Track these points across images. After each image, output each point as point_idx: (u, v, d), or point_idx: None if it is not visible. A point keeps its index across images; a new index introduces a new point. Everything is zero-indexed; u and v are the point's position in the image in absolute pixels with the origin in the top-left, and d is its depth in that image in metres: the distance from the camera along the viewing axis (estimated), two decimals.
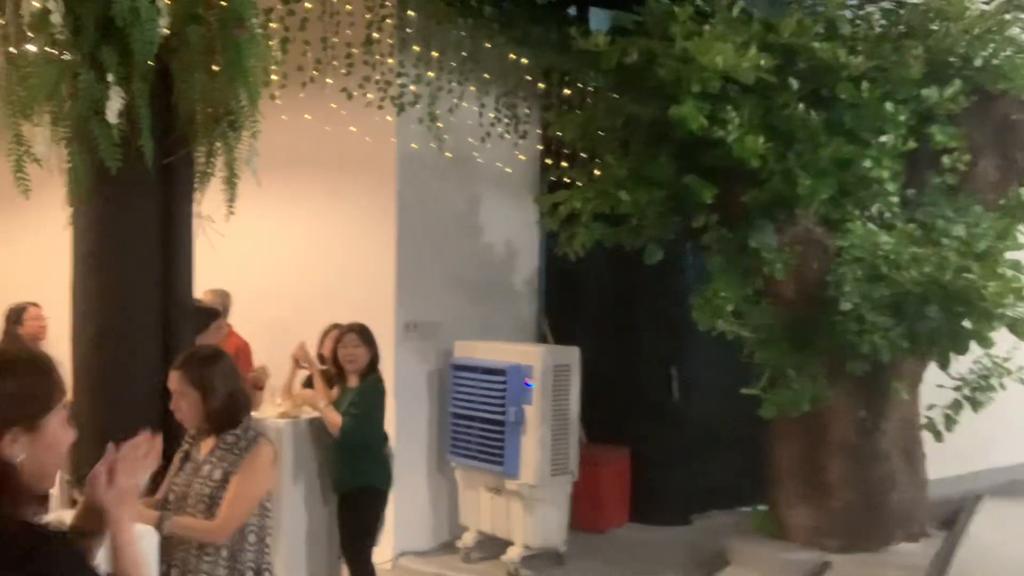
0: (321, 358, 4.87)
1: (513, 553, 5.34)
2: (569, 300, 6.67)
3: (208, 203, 3.30)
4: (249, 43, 3.03)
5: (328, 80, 5.02)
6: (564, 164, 5.98)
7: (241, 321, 5.26)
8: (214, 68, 3.05)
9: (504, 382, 5.40)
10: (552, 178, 5.97)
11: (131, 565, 1.69)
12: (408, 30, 5.44)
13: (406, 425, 5.52)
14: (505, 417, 5.37)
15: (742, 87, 4.58)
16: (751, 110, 4.64)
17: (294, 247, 5.93)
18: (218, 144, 3.19)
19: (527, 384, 5.38)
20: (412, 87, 5.43)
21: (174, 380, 2.83)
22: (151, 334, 3.18)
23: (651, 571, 5.50)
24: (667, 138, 4.92)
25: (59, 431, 1.59)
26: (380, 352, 4.56)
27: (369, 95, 5.12)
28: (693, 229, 5.10)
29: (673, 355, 6.44)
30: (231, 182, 3.23)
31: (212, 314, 4.47)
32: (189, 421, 2.86)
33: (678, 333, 6.19)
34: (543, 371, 5.35)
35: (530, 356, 5.45)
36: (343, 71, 5.02)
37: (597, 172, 5.34)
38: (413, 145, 5.70)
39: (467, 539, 5.62)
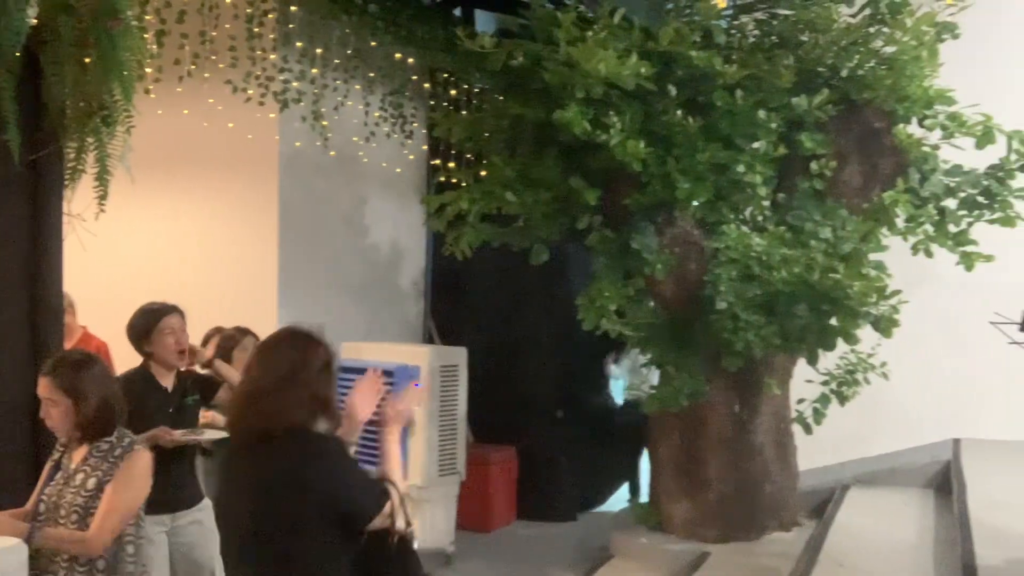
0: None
1: None
2: (456, 300, 6.70)
3: (79, 201, 3.17)
4: (123, 35, 2.93)
5: (206, 75, 4.88)
6: (451, 165, 6.00)
7: (114, 324, 5.05)
8: (86, 61, 2.93)
9: (391, 383, 5.36)
10: (440, 178, 5.97)
11: (393, 463, 2.53)
12: (291, 25, 5.34)
13: None
14: None
15: (624, 93, 4.69)
16: (632, 115, 4.75)
17: (171, 247, 5.74)
18: (90, 140, 3.07)
19: (415, 385, 5.36)
20: (295, 84, 5.34)
21: (43, 387, 2.69)
22: (19, 337, 3.03)
23: (537, 568, 5.58)
24: (553, 141, 5.00)
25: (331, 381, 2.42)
26: None
27: (250, 91, 5.01)
28: (578, 230, 5.19)
29: (559, 355, 6.55)
30: (103, 179, 3.11)
31: None
32: (60, 429, 2.73)
33: (565, 332, 6.29)
34: (430, 372, 5.35)
35: (417, 357, 5.44)
36: (222, 65, 4.89)
37: (484, 173, 5.37)
38: (296, 143, 5.61)
39: None
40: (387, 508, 2.33)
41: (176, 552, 3.61)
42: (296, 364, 2.32)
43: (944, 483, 5.96)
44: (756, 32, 5.23)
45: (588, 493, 6.60)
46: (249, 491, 2.29)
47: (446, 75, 6.08)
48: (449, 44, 5.33)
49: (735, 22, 5.27)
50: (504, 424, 6.41)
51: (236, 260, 5.64)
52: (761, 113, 4.79)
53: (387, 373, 5.34)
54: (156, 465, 2.85)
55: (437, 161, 6.18)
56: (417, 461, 5.33)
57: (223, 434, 3.57)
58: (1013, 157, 4.82)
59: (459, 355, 5.52)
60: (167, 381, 3.67)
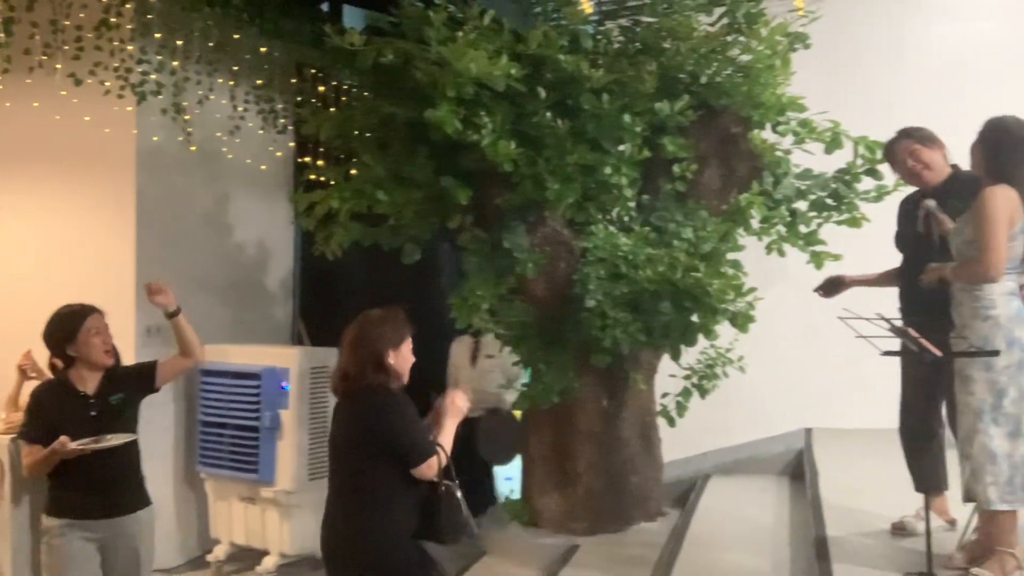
0: (53, 368, 4.49)
1: (269, 563, 5.21)
2: (326, 301, 6.59)
3: None
4: None
5: (58, 65, 4.65)
6: (320, 162, 5.91)
7: None
8: None
9: (258, 386, 5.26)
10: (308, 176, 5.86)
11: (447, 437, 3.19)
12: (149, 16, 5.14)
13: (149, 437, 5.20)
14: (259, 423, 5.23)
15: (495, 94, 4.73)
16: (503, 116, 4.80)
17: (21, 245, 5.43)
18: None
19: (283, 387, 5.26)
20: (154, 76, 5.15)
21: None
22: None
23: None
24: (425, 140, 4.99)
25: (406, 352, 3.24)
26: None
27: (106, 83, 4.79)
28: (450, 229, 5.20)
29: (432, 355, 6.54)
30: None
31: None
32: None
33: (437, 332, 6.29)
34: (300, 374, 5.26)
35: (286, 358, 5.34)
36: (74, 56, 4.66)
37: (354, 171, 5.32)
38: (155, 137, 5.40)
39: (219, 552, 5.42)
40: (435, 466, 3.08)
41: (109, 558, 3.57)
42: (372, 339, 3.19)
43: (798, 470, 6.29)
44: (621, 38, 5.37)
45: (466, 491, 6.61)
46: (341, 434, 3.18)
47: (314, 71, 5.98)
48: (317, 40, 5.24)
49: (601, 28, 5.39)
50: None
51: (91, 259, 5.39)
52: (626, 117, 4.92)
53: (253, 376, 5.26)
54: (75, 472, 3.17)
55: (306, 159, 6.07)
56: (287, 466, 5.23)
57: (128, 437, 3.53)
58: (859, 162, 5.12)
59: (330, 356, 5.44)
60: (90, 384, 3.57)
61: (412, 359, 3.26)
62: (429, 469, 3.08)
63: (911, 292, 4.00)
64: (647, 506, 5.58)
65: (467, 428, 3.43)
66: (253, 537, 5.33)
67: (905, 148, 4.14)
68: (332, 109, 5.87)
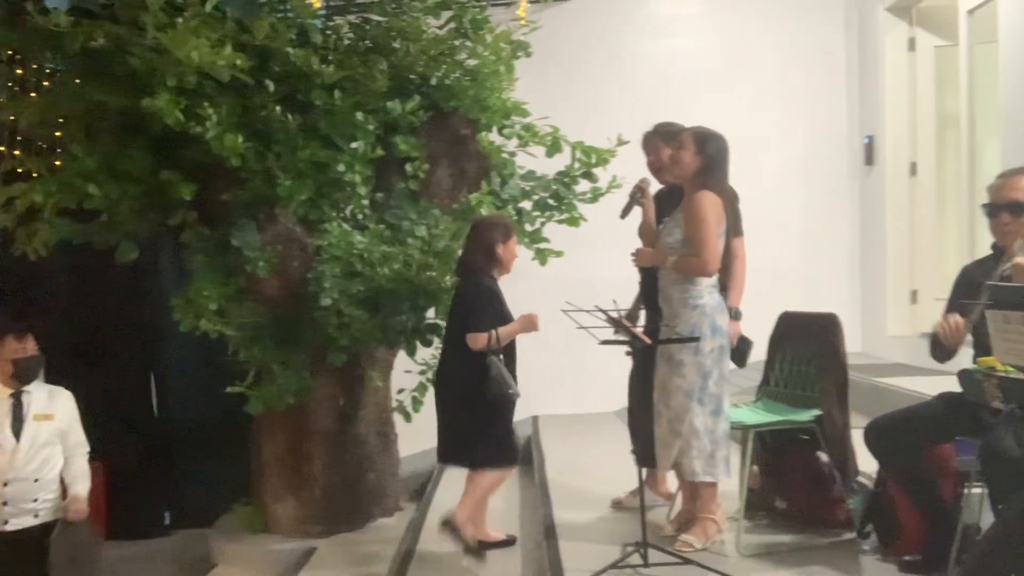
0: None
1: None
2: (29, 305, 6.00)
3: None
4: None
5: None
6: (17, 153, 5.37)
7: None
8: None
9: None
10: (6, 168, 5.30)
11: (507, 330, 4.22)
12: None
13: None
14: None
15: (219, 84, 4.55)
16: (229, 108, 4.63)
17: None
18: None
19: None
20: None
21: None
22: None
23: None
24: (142, 130, 4.69)
25: (512, 247, 4.35)
26: None
27: None
28: (172, 227, 4.93)
29: (151, 360, 6.17)
30: None
31: None
32: None
33: (157, 336, 5.94)
34: None
35: None
36: None
37: (60, 163, 4.88)
38: None
39: None
40: (481, 341, 4.13)
41: None
42: (486, 233, 4.30)
43: (526, 456, 6.59)
44: (351, 35, 5.35)
45: (189, 504, 6.29)
46: (454, 304, 4.38)
47: (11, 52, 5.42)
48: (11, 19, 4.76)
49: (330, 23, 5.34)
50: (91, 438, 5.88)
51: None
52: (359, 114, 4.92)
53: None
54: None
55: (2, 148, 5.49)
56: None
57: None
58: (576, 165, 5.46)
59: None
60: None
61: (516, 254, 4.40)
62: (475, 341, 4.14)
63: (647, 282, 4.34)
64: (385, 502, 5.61)
65: None
66: None
67: (652, 144, 4.44)
68: (33, 95, 5.35)
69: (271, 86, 4.76)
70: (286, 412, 5.12)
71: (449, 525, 4.31)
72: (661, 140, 4.38)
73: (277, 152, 4.79)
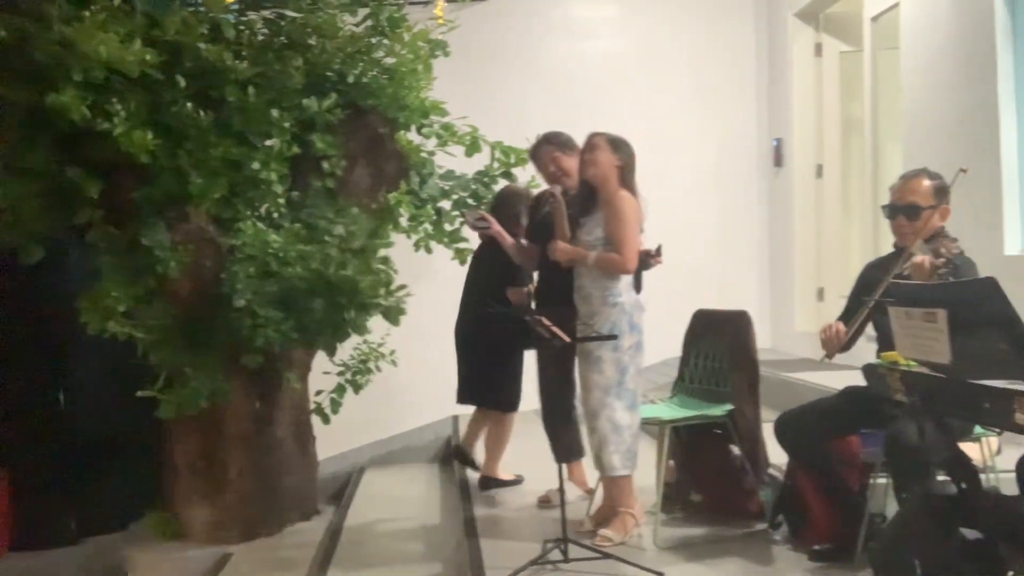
0: None
1: None
2: None
3: None
4: None
5: None
6: None
7: None
8: None
9: None
10: None
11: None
12: None
13: None
14: None
15: (129, 80, 4.43)
16: (138, 104, 4.50)
17: None
18: None
19: None
20: None
21: None
22: None
23: None
24: (46, 126, 4.52)
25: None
26: None
27: None
28: (78, 226, 4.77)
29: (58, 363, 5.95)
30: None
31: None
32: None
33: (64, 338, 5.73)
34: None
35: None
36: None
37: None
38: None
39: None
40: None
41: None
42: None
43: (447, 456, 6.59)
44: (265, 31, 5.26)
45: (99, 511, 6.08)
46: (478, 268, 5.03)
47: None
48: None
49: (243, 18, 5.25)
50: None
51: None
52: (274, 112, 4.84)
53: None
54: None
55: None
56: None
57: None
58: (495, 165, 5.48)
59: None
60: None
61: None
62: (515, 295, 4.57)
63: (548, 280, 4.38)
64: (303, 505, 5.54)
65: None
66: None
67: (547, 154, 4.49)
68: None
69: (182, 82, 4.64)
70: (199, 416, 5.00)
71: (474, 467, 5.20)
72: (556, 148, 4.46)
73: (189, 149, 4.68)
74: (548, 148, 4.50)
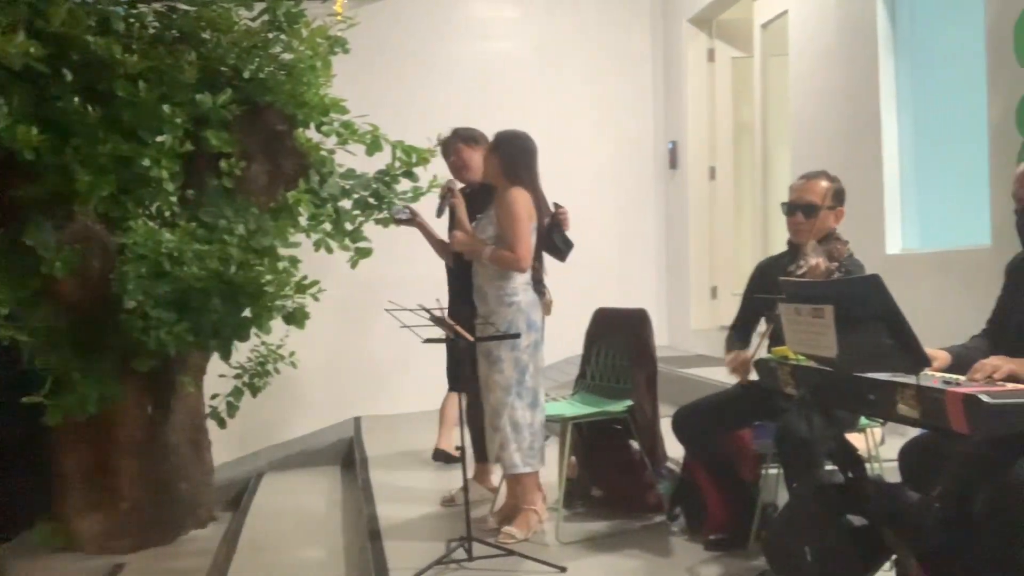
0: None
1: None
2: None
3: None
4: None
5: None
6: None
7: None
8: None
9: None
10: None
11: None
12: None
13: None
14: None
15: (11, 73, 4.23)
16: (22, 98, 4.31)
17: None
18: None
19: None
20: None
21: None
22: None
23: None
24: None
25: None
26: None
27: None
28: None
29: None
30: None
31: None
32: None
33: None
34: None
35: None
36: None
37: None
38: None
39: None
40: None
41: None
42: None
43: (349, 458, 6.52)
44: (157, 24, 5.10)
45: None
46: None
47: None
48: None
49: (134, 11, 5.07)
50: None
51: None
52: (166, 107, 4.68)
53: None
54: None
55: None
56: None
57: None
58: (397, 164, 5.45)
59: None
60: None
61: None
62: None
63: (460, 278, 4.39)
64: (198, 513, 5.40)
65: None
66: None
67: (452, 145, 4.68)
68: None
69: (69, 75, 4.46)
70: (89, 422, 4.82)
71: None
72: (461, 142, 4.65)
73: (76, 145, 4.50)
74: (454, 140, 4.68)
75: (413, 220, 4.89)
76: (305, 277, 4.93)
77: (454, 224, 4.27)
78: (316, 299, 4.91)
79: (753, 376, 3.22)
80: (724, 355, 3.70)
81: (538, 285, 4.11)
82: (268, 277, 4.60)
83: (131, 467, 5.06)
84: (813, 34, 5.70)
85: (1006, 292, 2.83)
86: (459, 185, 4.45)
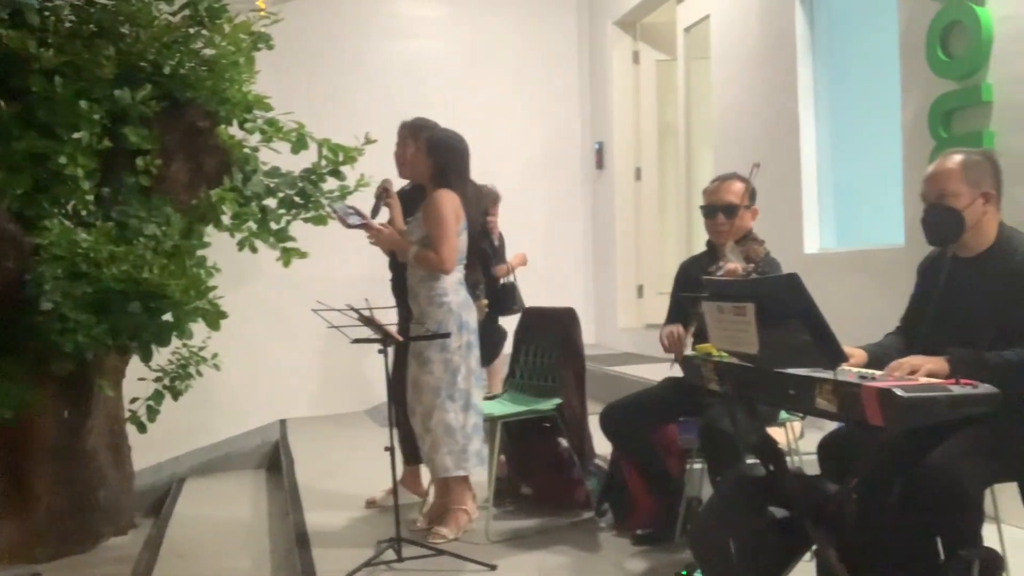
0: None
1: None
2: None
3: None
4: None
5: None
6: None
7: None
8: None
9: None
10: None
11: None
12: None
13: None
14: None
15: None
16: None
17: None
18: None
19: None
20: None
21: None
22: None
23: None
24: None
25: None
26: None
27: None
28: None
29: None
30: None
31: None
32: None
33: None
34: None
35: None
36: None
37: None
38: None
39: None
40: None
41: None
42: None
43: (274, 461, 6.43)
44: (73, 18, 4.95)
45: None
46: None
47: None
48: None
49: (49, 4, 4.91)
50: None
51: None
52: (83, 103, 4.56)
53: None
54: None
55: None
56: None
57: None
58: (323, 163, 5.38)
59: None
60: None
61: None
62: None
63: (399, 274, 4.36)
64: (118, 520, 5.25)
65: None
66: None
67: (400, 135, 4.49)
68: None
69: None
70: (3, 428, 4.64)
71: None
72: (409, 134, 4.46)
73: None
74: (405, 131, 4.49)
75: (366, 224, 4.36)
76: (204, 284, 4.75)
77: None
78: (216, 305, 4.77)
79: (689, 351, 3.28)
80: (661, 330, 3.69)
81: (472, 288, 4.11)
82: (175, 282, 4.46)
83: (47, 473, 4.90)
84: (735, 38, 5.82)
85: (918, 291, 2.94)
86: (395, 187, 4.37)
